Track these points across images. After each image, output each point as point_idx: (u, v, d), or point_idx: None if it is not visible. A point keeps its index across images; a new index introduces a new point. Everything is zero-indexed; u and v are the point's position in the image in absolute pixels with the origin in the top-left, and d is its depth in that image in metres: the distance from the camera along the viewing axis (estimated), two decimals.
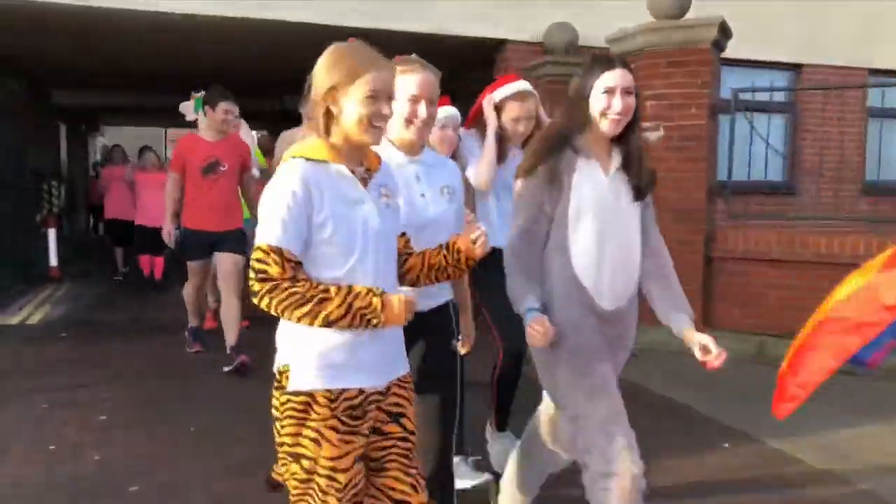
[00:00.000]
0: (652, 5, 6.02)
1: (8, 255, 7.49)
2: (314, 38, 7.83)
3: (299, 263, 1.77)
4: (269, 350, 1.99)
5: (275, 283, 1.73)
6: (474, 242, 1.97)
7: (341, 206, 1.80)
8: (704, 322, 6.02)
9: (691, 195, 5.93)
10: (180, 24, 7.27)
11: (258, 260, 1.74)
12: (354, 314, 1.75)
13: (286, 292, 1.72)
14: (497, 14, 7.85)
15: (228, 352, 5.16)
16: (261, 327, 3.16)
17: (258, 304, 1.76)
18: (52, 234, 9.36)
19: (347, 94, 1.79)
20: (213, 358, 5.39)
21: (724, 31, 5.86)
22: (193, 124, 5.93)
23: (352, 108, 1.79)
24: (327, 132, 1.83)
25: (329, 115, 1.82)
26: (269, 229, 1.74)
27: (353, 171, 1.85)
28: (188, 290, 5.53)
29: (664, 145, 5.96)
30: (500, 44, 8.09)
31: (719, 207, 6.38)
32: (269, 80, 11.58)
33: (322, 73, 1.82)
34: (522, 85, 3.35)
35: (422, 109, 2.28)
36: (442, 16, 7.65)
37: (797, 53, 8.64)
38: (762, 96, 7.54)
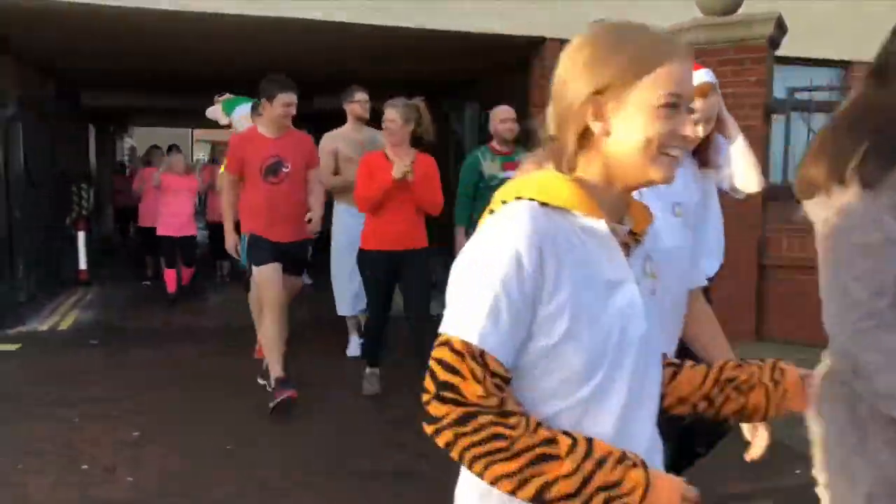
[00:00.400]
0: (702, 2, 5.74)
1: (39, 257, 7.38)
2: (345, 37, 7.60)
3: (508, 381, 1.05)
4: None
5: (468, 410, 1.01)
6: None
7: (589, 288, 1.08)
8: (756, 333, 5.74)
9: (744, 200, 5.62)
10: (208, 24, 7.12)
11: (442, 362, 1.03)
12: (591, 495, 1.01)
13: (485, 432, 1.01)
14: (535, 11, 7.60)
15: (271, 387, 4.39)
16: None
17: (432, 434, 1.04)
18: (81, 236, 9.27)
19: (624, 101, 1.08)
20: (247, 369, 5.22)
21: (781, 27, 5.58)
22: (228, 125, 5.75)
23: (632, 124, 1.08)
24: (570, 165, 1.11)
25: (584, 137, 1.11)
26: (469, 316, 1.04)
27: (613, 231, 1.12)
28: (266, 326, 4.46)
29: None
30: (539, 43, 7.85)
31: (773, 212, 6.08)
32: (299, 80, 11.41)
33: (579, 69, 1.10)
34: (705, 76, 2.34)
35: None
36: (476, 13, 7.42)
37: (846, 50, 8.29)
38: (816, 95, 7.22)
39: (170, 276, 8.02)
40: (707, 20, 5.59)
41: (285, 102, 4.46)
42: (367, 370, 4.71)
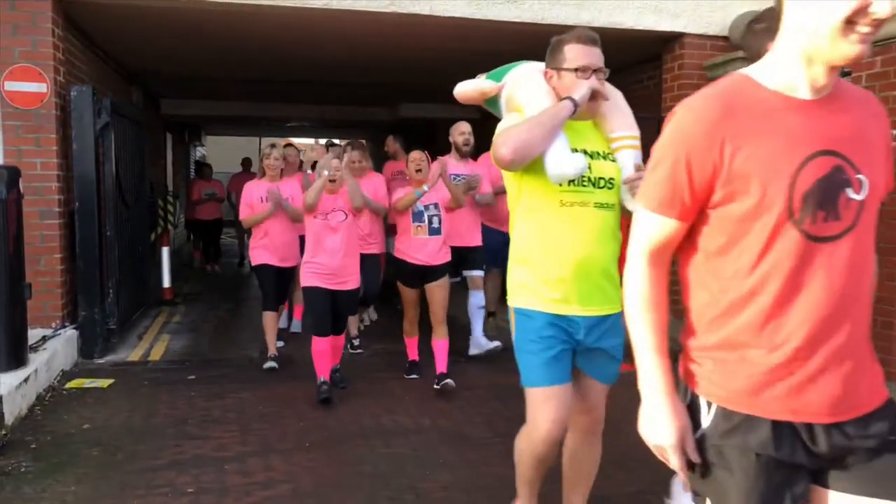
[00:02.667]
0: None
1: (130, 277, 6.79)
2: (457, 34, 6.54)
3: None
4: None
5: None
6: None
7: None
8: None
9: None
10: (292, 19, 6.42)
11: None
12: None
13: None
14: (670, 4, 6.70)
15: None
16: None
17: None
18: (165, 252, 8.74)
19: None
20: (375, 410, 4.46)
21: None
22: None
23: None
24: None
25: None
26: None
27: None
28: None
29: None
30: (674, 38, 6.94)
31: None
32: (382, 88, 10.78)
33: None
34: None
35: None
36: (607, 6, 6.56)
37: None
38: None
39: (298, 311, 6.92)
40: None
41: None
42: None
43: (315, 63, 8.75)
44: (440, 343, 5.20)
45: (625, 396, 4.25)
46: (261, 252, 5.82)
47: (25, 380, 4.54)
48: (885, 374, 1.59)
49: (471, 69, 9.30)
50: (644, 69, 7.98)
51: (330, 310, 4.80)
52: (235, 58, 8.41)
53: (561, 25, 6.49)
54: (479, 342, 6.09)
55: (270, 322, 5.87)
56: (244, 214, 5.84)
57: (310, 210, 4.79)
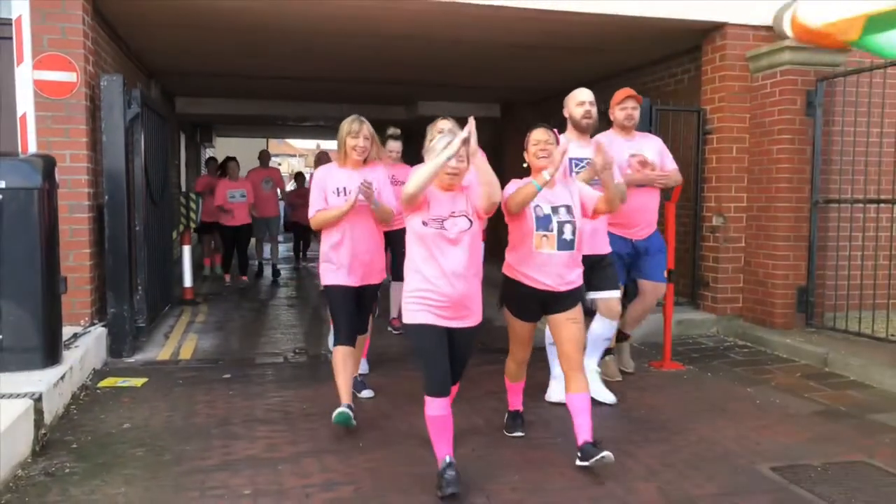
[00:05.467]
0: None
1: (155, 276, 6.60)
2: (497, 25, 6.32)
3: None
4: None
5: None
6: None
7: None
8: None
9: None
10: (312, 13, 6.29)
11: None
12: None
13: None
14: None
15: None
16: None
17: None
18: (186, 251, 8.56)
19: None
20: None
21: None
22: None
23: None
24: None
25: None
26: None
27: None
28: None
29: None
30: (715, 29, 6.76)
31: None
32: (400, 85, 10.64)
33: None
34: None
35: None
36: None
37: None
38: None
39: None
40: None
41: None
42: None
43: (335, 59, 8.59)
44: (579, 398, 3.62)
45: (692, 396, 4.01)
46: (333, 268, 4.24)
47: (62, 377, 4.35)
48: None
49: (493, 62, 9.17)
50: (680, 62, 7.81)
51: (447, 357, 3.35)
52: (255, 53, 8.25)
53: (598, 15, 6.33)
54: (594, 389, 4.49)
55: (341, 361, 4.20)
56: (315, 209, 4.18)
57: (412, 206, 3.29)
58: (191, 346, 6.31)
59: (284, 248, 14.05)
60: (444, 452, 3.30)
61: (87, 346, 5.10)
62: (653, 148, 5.16)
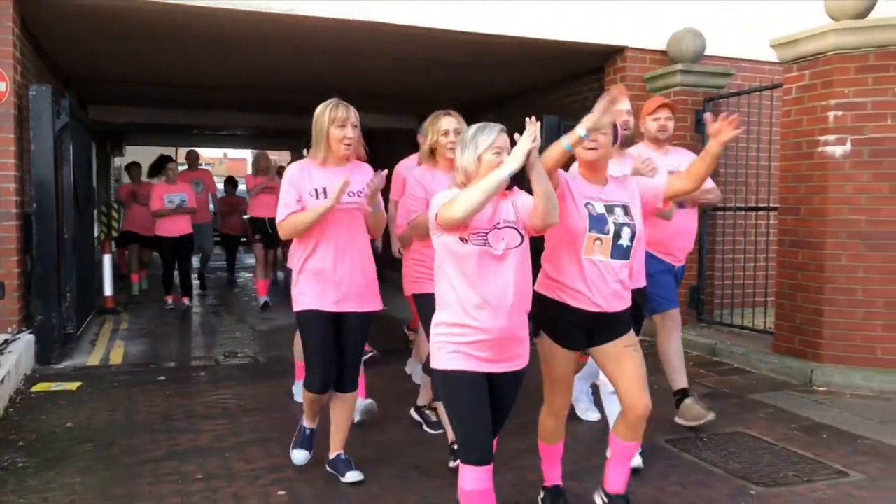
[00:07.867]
0: (831, 7, 5.37)
1: (83, 284, 6.64)
2: (414, 42, 6.80)
3: None
4: None
5: None
6: None
7: None
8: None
9: (886, 217, 5.24)
10: (230, 21, 6.52)
11: None
12: None
13: None
14: (612, 19, 7.17)
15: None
16: None
17: None
18: (107, 259, 8.54)
19: None
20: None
21: None
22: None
23: None
24: None
25: None
26: None
27: None
28: None
29: (851, 160, 5.31)
30: (616, 52, 7.42)
31: None
32: (319, 95, 10.82)
33: None
34: None
35: None
36: (550, 20, 6.95)
37: None
38: None
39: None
40: (850, 24, 5.20)
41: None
42: None
43: (254, 69, 8.77)
44: (631, 448, 3.04)
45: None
46: (306, 288, 3.42)
47: (1, 381, 4.45)
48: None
49: (410, 74, 9.54)
50: (585, 81, 8.46)
51: (489, 413, 2.61)
52: (173, 61, 8.34)
53: (514, 37, 6.87)
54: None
55: (311, 408, 3.63)
56: (284, 213, 3.35)
57: (457, 224, 2.53)
58: (119, 353, 6.40)
59: (218, 263, 12.78)
60: None
61: (19, 352, 5.16)
62: (690, 162, 3.83)
